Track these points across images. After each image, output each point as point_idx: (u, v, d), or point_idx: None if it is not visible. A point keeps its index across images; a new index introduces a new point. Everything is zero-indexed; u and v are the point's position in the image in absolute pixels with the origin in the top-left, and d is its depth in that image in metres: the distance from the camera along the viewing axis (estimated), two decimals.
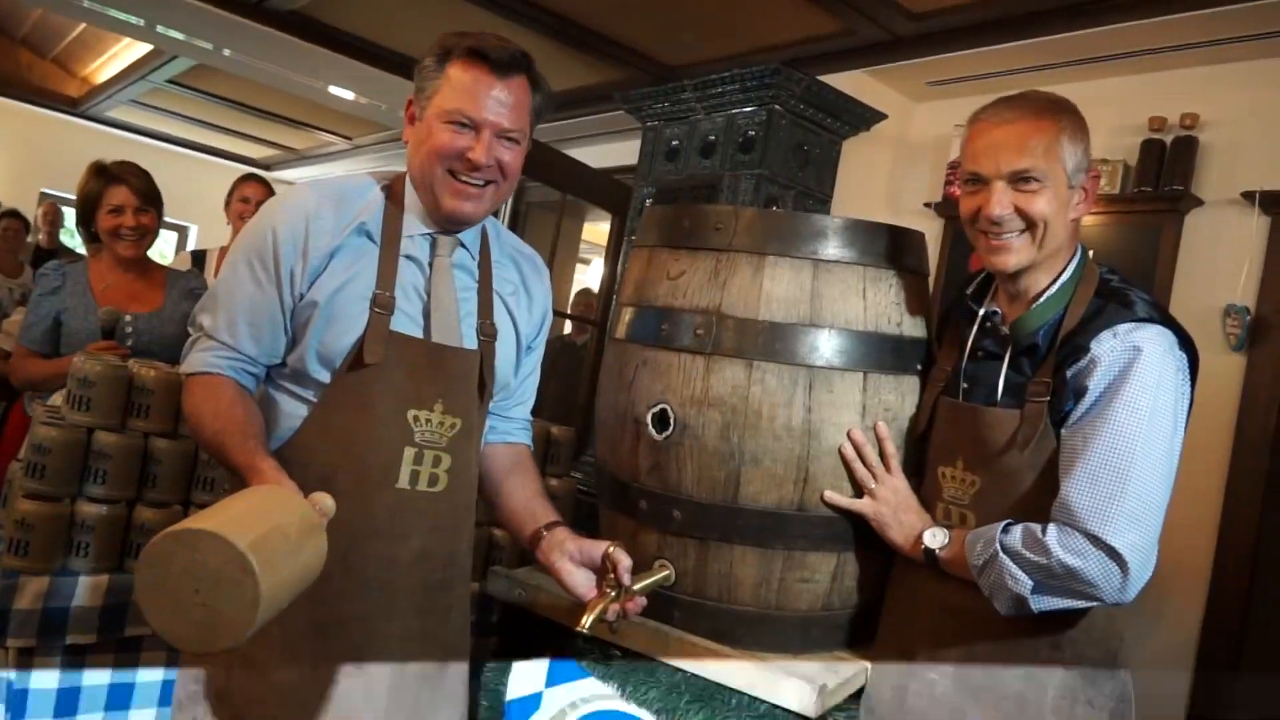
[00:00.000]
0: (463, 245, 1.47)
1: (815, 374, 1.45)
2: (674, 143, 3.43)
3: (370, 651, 1.39)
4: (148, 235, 2.54)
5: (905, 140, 3.86)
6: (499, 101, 1.36)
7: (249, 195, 3.32)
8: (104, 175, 2.51)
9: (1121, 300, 1.35)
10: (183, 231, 9.17)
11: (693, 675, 1.49)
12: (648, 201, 3.46)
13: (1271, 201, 2.80)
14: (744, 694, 1.44)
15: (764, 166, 3.13)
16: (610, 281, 4.17)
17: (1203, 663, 2.80)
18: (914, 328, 1.54)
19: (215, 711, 1.36)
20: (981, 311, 1.47)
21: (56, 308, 2.43)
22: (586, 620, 1.33)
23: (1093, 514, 1.25)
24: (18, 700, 1.84)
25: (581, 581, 1.42)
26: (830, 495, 1.47)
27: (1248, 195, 2.84)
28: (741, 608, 1.51)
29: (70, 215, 4.97)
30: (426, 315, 1.41)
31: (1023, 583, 1.28)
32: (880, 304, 1.50)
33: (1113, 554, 1.24)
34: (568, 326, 5.06)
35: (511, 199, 4.92)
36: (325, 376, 1.37)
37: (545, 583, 1.61)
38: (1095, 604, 1.29)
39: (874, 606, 1.57)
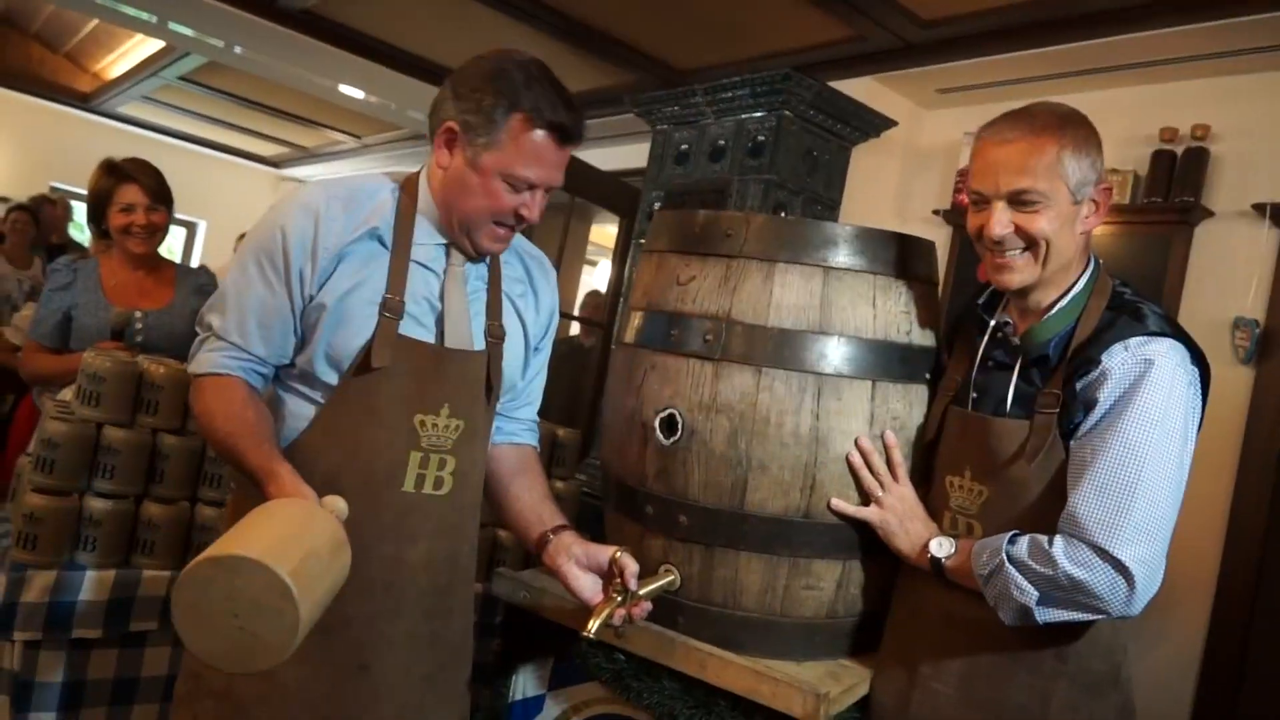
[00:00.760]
0: None
1: (824, 381, 1.45)
2: (683, 146, 3.43)
3: (374, 652, 1.39)
4: (158, 233, 2.56)
5: (915, 147, 3.85)
6: (558, 166, 1.40)
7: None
8: (115, 173, 2.51)
9: (1133, 313, 1.34)
10: (192, 228, 9.21)
11: (696, 680, 1.49)
12: (656, 205, 3.46)
13: None
14: (747, 700, 1.44)
15: (773, 172, 3.13)
16: (617, 284, 4.17)
17: (1206, 676, 2.79)
18: (923, 337, 1.54)
19: (217, 709, 1.36)
20: (993, 322, 1.47)
21: (67, 303, 2.44)
22: (593, 625, 1.33)
23: (1100, 526, 1.24)
24: (23, 693, 1.85)
25: (588, 586, 1.42)
26: (837, 503, 1.47)
27: (1258, 207, 2.83)
28: (746, 614, 1.51)
29: (80, 210, 4.98)
30: (439, 322, 1.41)
31: (1028, 594, 1.28)
32: (890, 312, 1.50)
33: (1119, 567, 1.23)
34: (575, 328, 5.06)
35: None
36: (333, 379, 1.37)
37: (550, 585, 1.61)
38: (1100, 616, 1.29)
39: (879, 615, 1.57)
